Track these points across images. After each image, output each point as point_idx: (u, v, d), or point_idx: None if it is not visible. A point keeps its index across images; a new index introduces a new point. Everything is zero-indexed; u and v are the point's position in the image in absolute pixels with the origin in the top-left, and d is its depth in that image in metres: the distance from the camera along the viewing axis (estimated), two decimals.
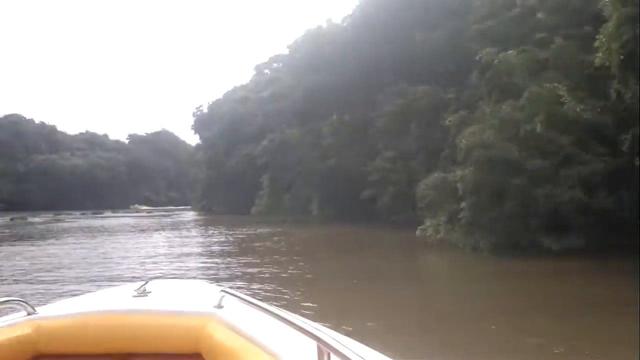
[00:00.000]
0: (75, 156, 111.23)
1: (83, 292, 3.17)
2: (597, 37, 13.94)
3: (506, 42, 17.79)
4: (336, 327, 1.91)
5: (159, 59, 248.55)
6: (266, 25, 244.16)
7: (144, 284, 2.48)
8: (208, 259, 16.34)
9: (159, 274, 11.96)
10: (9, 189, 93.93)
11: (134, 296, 2.38)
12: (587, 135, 14.90)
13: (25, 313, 2.22)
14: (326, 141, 33.50)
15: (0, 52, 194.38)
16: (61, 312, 2.27)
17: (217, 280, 10.95)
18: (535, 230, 14.52)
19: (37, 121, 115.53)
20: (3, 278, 12.28)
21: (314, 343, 1.38)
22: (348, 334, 1.91)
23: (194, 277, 11.04)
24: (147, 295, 2.40)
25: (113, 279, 11.38)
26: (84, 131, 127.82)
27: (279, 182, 42.43)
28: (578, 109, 14.68)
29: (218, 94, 79.97)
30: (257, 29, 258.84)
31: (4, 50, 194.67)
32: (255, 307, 1.83)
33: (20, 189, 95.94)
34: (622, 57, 12.82)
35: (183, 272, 12.78)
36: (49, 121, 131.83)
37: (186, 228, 34.86)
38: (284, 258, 16.09)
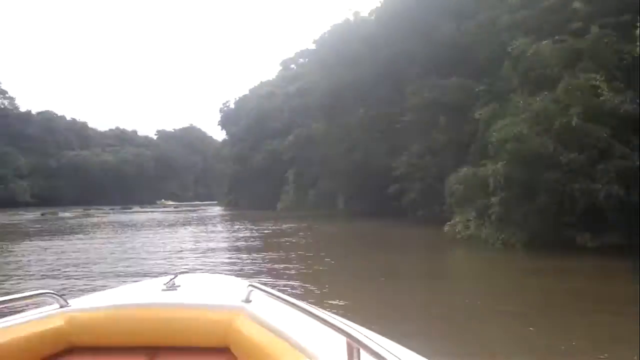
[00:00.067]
0: (105, 152, 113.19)
1: (111, 287, 3.05)
2: (636, 25, 13.39)
3: (540, 32, 17.23)
4: (365, 326, 1.72)
5: (187, 56, 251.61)
6: (292, 21, 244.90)
7: (173, 278, 2.54)
8: (233, 254, 16.26)
9: (185, 270, 11.88)
10: (41, 184, 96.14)
11: (163, 290, 2.44)
12: (625, 128, 14.30)
13: (58, 306, 2.29)
14: (352, 136, 33.12)
15: (33, 51, 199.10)
16: (92, 305, 2.33)
17: (242, 275, 10.80)
18: (569, 226, 14.01)
19: (68, 118, 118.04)
20: (31, 273, 12.37)
21: (343, 338, 1.37)
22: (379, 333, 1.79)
23: (220, 273, 10.93)
24: (176, 289, 2.45)
25: (140, 275, 11.33)
26: (113, 127, 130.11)
27: (305, 177, 42.34)
28: (616, 101, 14.07)
29: (245, 90, 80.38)
30: (283, 24, 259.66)
31: (37, 49, 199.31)
32: (283, 301, 1.83)
33: (51, 184, 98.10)
34: None
35: (209, 267, 12.69)
36: (80, 118, 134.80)
37: (212, 223, 35.00)
38: (309, 254, 15.91)
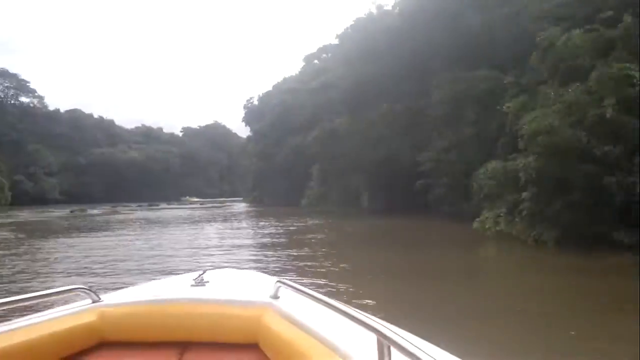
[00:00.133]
0: (132, 149, 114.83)
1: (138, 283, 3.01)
2: None
3: (570, 22, 16.75)
4: (397, 324, 1.70)
5: (211, 53, 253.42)
6: (315, 16, 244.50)
7: (202, 274, 2.57)
8: (259, 250, 16.18)
9: (211, 266, 11.82)
10: (70, 181, 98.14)
11: (192, 285, 2.45)
12: None
13: (90, 301, 2.32)
14: (377, 131, 32.74)
15: (60, 50, 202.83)
16: (124, 300, 2.35)
17: (268, 273, 10.68)
18: (604, 222, 13.52)
19: (95, 116, 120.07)
20: (59, 271, 12.47)
21: (373, 336, 1.36)
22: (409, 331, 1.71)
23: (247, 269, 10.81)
24: (204, 285, 2.46)
25: (167, 272, 11.32)
26: (139, 125, 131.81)
27: (329, 172, 42.07)
28: None
29: (268, 86, 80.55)
30: (306, 19, 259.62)
31: (64, 48, 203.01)
32: (312, 298, 1.82)
33: (80, 181, 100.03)
34: None
35: (235, 264, 12.61)
36: (107, 116, 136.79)
37: (237, 220, 35.09)
38: (334, 251, 15.72)
